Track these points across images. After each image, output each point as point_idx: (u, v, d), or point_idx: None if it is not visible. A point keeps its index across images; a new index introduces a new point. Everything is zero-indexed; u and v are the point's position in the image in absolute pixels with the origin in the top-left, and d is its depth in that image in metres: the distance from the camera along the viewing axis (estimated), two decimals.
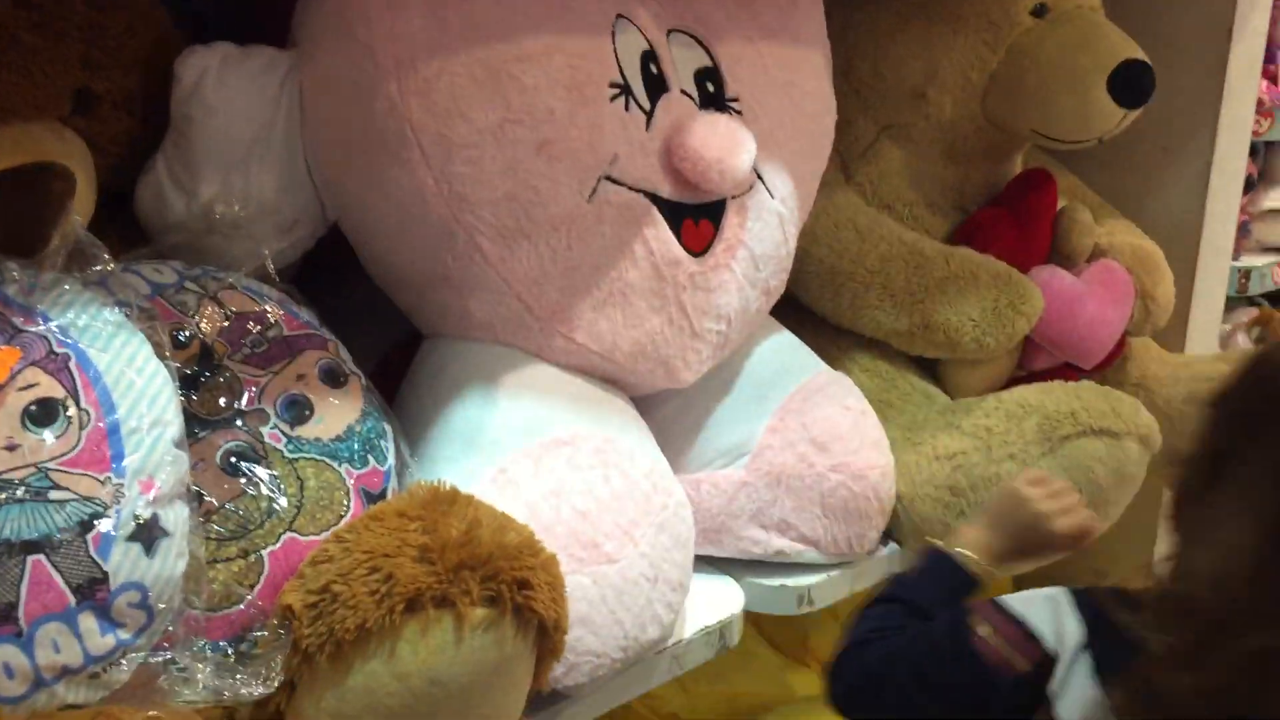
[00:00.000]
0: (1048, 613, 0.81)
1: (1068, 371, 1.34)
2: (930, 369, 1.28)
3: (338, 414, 0.78)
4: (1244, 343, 1.80)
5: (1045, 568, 1.17)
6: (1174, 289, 1.42)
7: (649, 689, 0.95)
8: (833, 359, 1.21)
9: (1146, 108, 1.23)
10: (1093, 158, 1.48)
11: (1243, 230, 1.70)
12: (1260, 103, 1.68)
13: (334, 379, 0.80)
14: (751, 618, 1.05)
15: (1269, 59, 1.72)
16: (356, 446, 0.77)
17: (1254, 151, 1.72)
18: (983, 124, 1.29)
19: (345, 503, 0.74)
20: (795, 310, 1.22)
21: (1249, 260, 1.72)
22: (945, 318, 1.20)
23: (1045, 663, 0.79)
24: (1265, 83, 1.71)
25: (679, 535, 0.90)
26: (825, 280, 1.22)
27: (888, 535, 1.14)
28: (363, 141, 0.85)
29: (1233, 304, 1.75)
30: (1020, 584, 1.69)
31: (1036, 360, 1.32)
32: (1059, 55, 1.22)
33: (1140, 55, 1.21)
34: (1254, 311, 1.85)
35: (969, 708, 0.82)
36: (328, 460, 0.75)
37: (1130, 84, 1.19)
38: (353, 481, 0.75)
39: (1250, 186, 1.68)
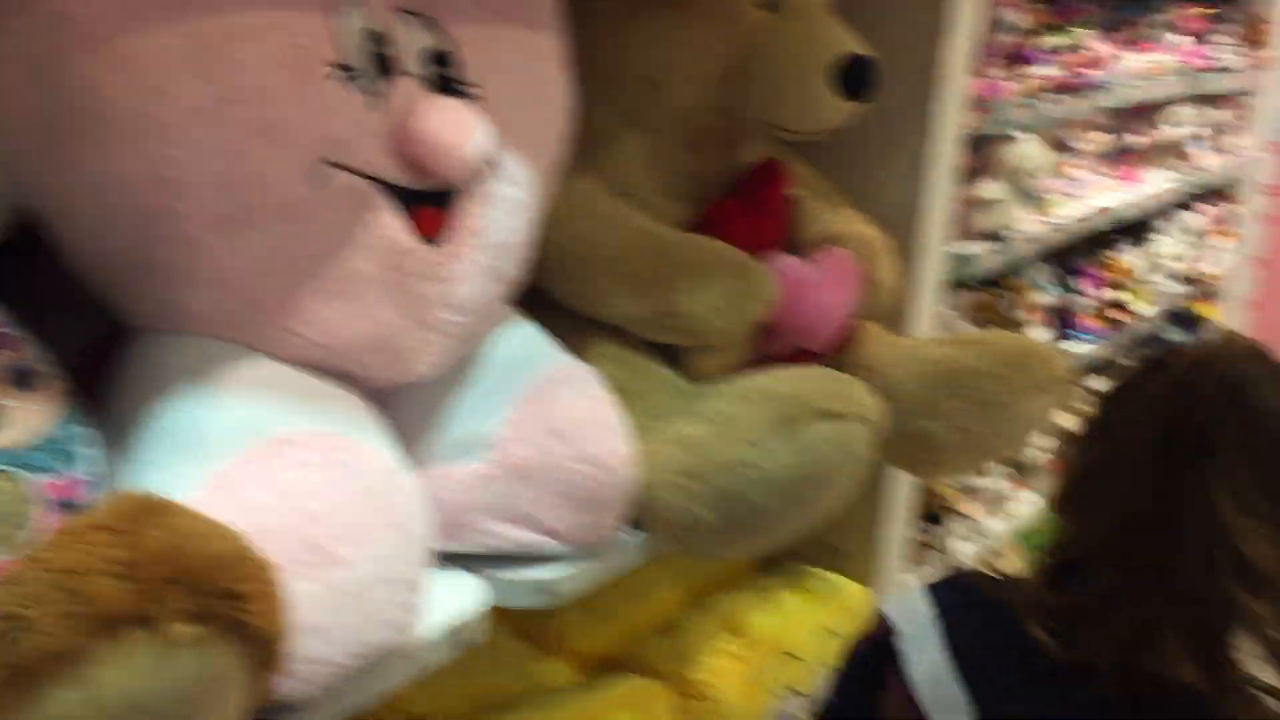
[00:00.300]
0: (900, 598, 1.07)
1: (800, 355, 1.39)
2: (672, 355, 1.30)
3: (29, 420, 0.71)
4: (962, 326, 1.91)
5: (783, 547, 1.21)
6: (897, 275, 1.49)
7: (388, 691, 0.92)
8: (576, 348, 1.20)
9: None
10: (822, 148, 1.53)
11: (959, 218, 1.80)
12: (976, 98, 1.78)
13: (25, 381, 0.73)
14: (498, 610, 1.04)
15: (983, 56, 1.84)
16: (51, 455, 0.71)
17: (974, 144, 1.82)
18: (718, 114, 1.31)
19: (38, 517, 0.68)
20: (538, 299, 1.21)
21: (965, 247, 1.83)
22: (685, 305, 1.22)
23: (888, 630, 1.04)
24: (980, 79, 1.82)
25: (415, 533, 0.87)
26: (565, 268, 1.22)
27: (633, 523, 1.15)
28: (54, 122, 0.78)
29: (951, 289, 1.85)
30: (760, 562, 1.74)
31: (771, 344, 1.36)
32: (787, 48, 1.26)
33: (864, 50, 1.25)
34: (971, 296, 1.96)
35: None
36: (18, 471, 0.69)
37: (853, 78, 1.24)
38: (47, 493, 0.69)
39: (967, 177, 1.78)
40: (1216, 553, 0.84)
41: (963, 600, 1.02)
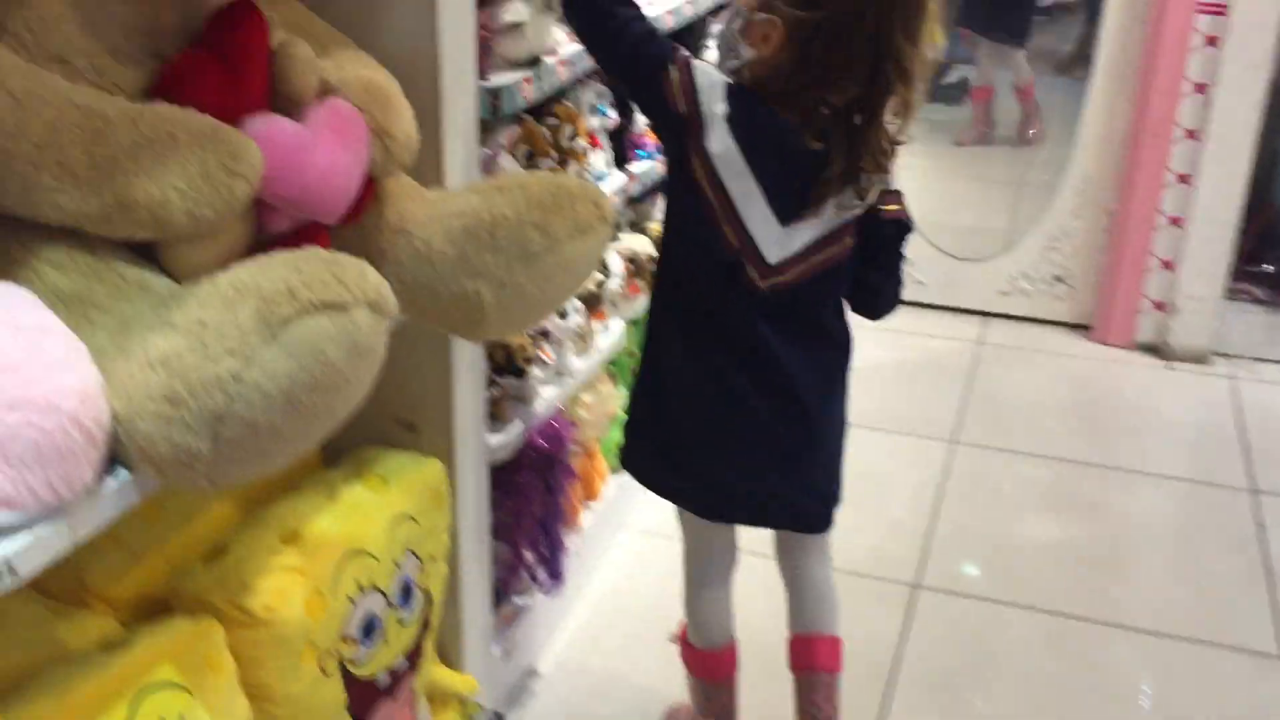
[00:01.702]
0: (710, 87, 1.52)
1: (313, 229, 1.21)
2: (149, 251, 1.09)
3: None
4: (510, 165, 1.78)
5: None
6: (414, 121, 1.32)
7: None
8: (10, 261, 0.98)
9: None
10: None
11: (485, 48, 1.65)
12: None
13: None
14: None
15: None
16: None
17: None
18: None
19: None
20: None
21: (499, 79, 1.68)
22: (145, 192, 1.01)
23: (696, 113, 1.52)
24: None
25: None
26: None
27: (114, 461, 0.96)
28: None
29: (490, 126, 1.72)
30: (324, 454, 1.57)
31: (275, 222, 1.17)
32: None
33: None
34: (516, 129, 1.84)
35: (648, 98, 1.60)
36: None
37: None
38: None
39: (484, 1, 1.62)
40: (889, 66, 1.46)
41: (738, 98, 1.52)
